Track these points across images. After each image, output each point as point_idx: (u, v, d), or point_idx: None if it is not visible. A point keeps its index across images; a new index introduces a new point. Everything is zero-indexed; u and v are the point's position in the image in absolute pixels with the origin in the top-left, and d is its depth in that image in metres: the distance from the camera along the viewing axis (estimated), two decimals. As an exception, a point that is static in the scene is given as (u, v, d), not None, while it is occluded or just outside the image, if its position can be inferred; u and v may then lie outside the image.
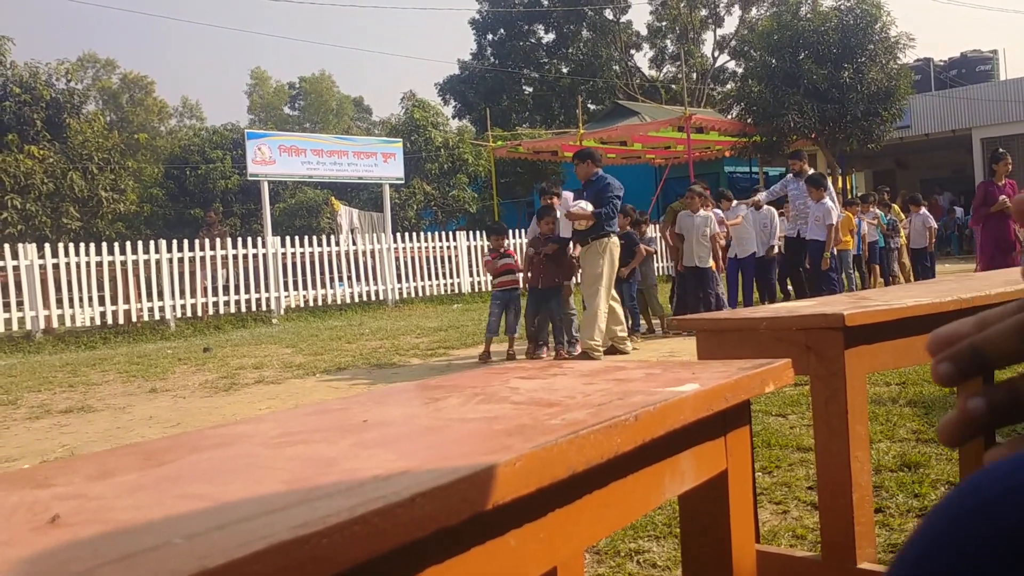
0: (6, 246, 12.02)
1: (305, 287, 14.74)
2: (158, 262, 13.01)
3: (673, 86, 35.19)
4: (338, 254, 15.18)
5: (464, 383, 1.31)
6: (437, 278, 16.32)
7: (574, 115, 25.79)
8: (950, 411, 0.49)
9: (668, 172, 23.30)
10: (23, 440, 5.44)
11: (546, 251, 7.99)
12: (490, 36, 37.34)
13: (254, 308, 13.91)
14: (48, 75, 23.07)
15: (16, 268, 11.87)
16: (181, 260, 13.24)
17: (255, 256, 14.03)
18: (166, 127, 53.24)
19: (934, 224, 14.30)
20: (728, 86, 35.41)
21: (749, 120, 19.74)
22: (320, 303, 14.73)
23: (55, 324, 12.25)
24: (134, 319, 12.74)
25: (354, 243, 15.69)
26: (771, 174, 24.78)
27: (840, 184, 20.72)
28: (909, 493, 3.07)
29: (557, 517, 0.89)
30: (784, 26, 19.70)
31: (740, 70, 33.30)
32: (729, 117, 23.39)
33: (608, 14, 36.35)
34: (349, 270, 15.32)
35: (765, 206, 10.34)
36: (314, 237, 15.14)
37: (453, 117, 35.91)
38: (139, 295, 12.86)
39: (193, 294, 13.35)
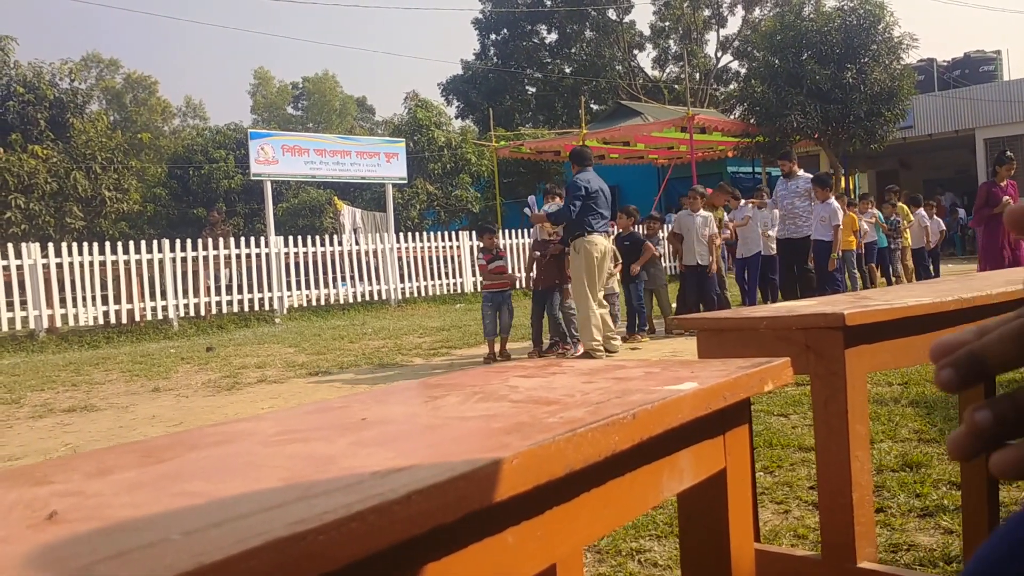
0: (10, 245, 12.05)
1: (308, 287, 14.75)
2: (161, 262, 13.02)
3: (676, 86, 35.18)
4: (341, 254, 15.19)
5: (463, 382, 1.31)
6: (440, 278, 16.32)
7: (577, 115, 25.81)
8: (959, 426, 0.50)
9: (671, 172, 23.31)
10: (26, 439, 5.45)
11: (551, 252, 8.03)
12: (493, 36, 37.34)
13: (257, 308, 13.92)
14: (52, 75, 23.12)
15: (20, 267, 11.89)
16: (184, 260, 13.26)
17: (258, 256, 14.05)
18: (169, 127, 53.34)
19: (938, 225, 14.26)
20: (731, 86, 35.39)
21: (752, 120, 19.72)
22: (323, 303, 14.74)
23: (58, 323, 12.27)
24: (137, 318, 12.76)
25: (357, 243, 15.70)
26: (774, 174, 24.73)
27: (843, 184, 20.71)
28: (911, 493, 3.07)
29: (555, 515, 0.89)
30: (787, 26, 19.69)
31: (743, 70, 33.30)
32: (732, 117, 23.39)
33: (611, 14, 36.34)
34: (352, 270, 15.32)
35: (768, 203, 10.34)
36: (317, 237, 15.15)
37: (456, 117, 35.96)
38: (142, 294, 12.87)
39: (196, 294, 13.37)
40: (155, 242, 13.19)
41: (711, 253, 9.27)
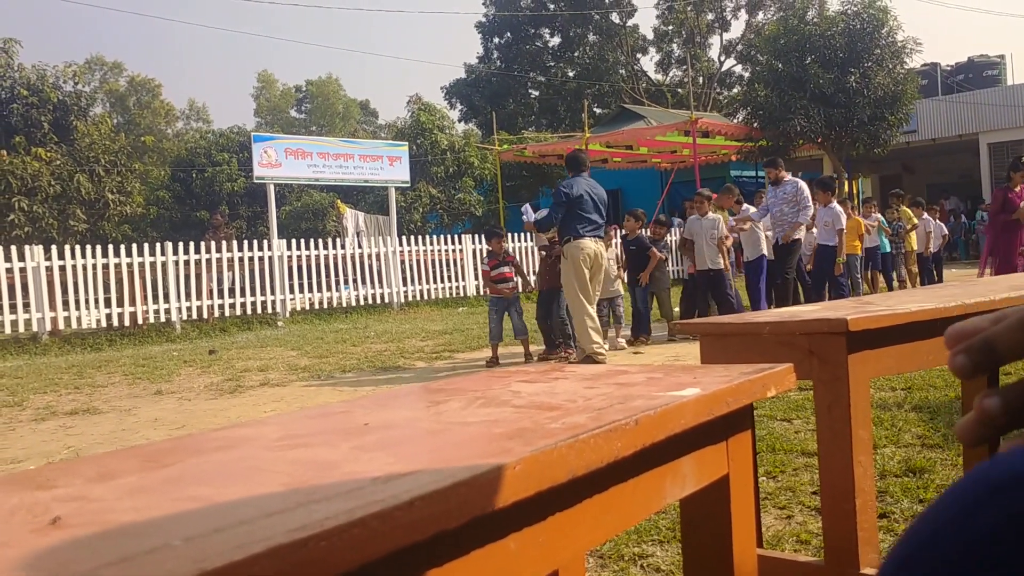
0: (13, 248, 12.06)
1: (311, 290, 14.75)
2: (164, 264, 13.04)
3: (679, 90, 35.19)
4: (343, 257, 15.20)
5: (466, 387, 1.31)
6: (442, 281, 16.32)
7: (580, 119, 25.81)
8: (969, 413, 0.50)
9: (674, 176, 23.31)
10: (28, 442, 5.46)
11: (555, 254, 8.06)
12: (496, 40, 37.37)
13: (259, 311, 13.93)
14: (55, 77, 23.16)
15: (23, 270, 11.91)
16: (187, 262, 13.27)
17: (261, 259, 14.06)
18: (173, 130, 53.41)
19: (941, 229, 14.24)
20: (734, 90, 35.40)
21: (755, 124, 19.71)
22: (325, 306, 14.74)
23: (61, 326, 12.28)
24: (140, 321, 12.77)
25: (359, 246, 15.70)
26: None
27: (847, 189, 20.70)
28: (914, 498, 3.06)
29: (557, 521, 0.89)
30: (791, 30, 19.68)
31: (746, 74, 33.32)
32: (735, 121, 23.39)
33: (614, 18, 36.38)
34: (355, 273, 15.33)
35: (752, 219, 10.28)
36: (320, 240, 15.16)
37: (459, 120, 35.98)
38: (145, 297, 12.88)
39: (199, 296, 13.38)
40: (158, 245, 13.20)
41: (721, 255, 9.21)
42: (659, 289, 9.48)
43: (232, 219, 26.25)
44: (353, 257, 15.33)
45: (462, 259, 16.60)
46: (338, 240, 15.67)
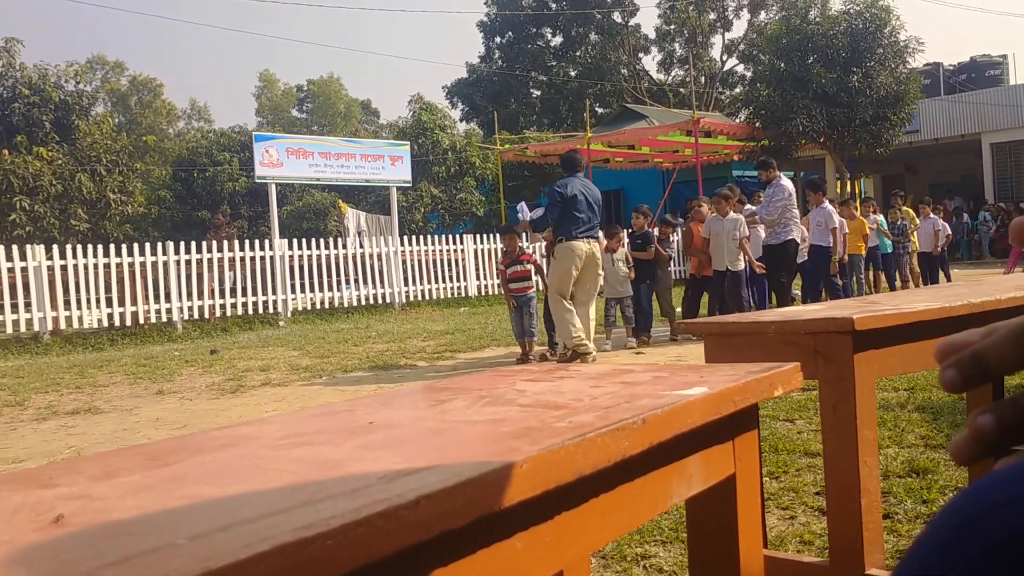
0: (14, 247, 12.07)
1: (312, 290, 14.75)
2: (165, 264, 13.04)
3: (681, 90, 35.20)
4: (345, 257, 15.20)
5: (470, 385, 1.31)
6: (444, 281, 16.32)
7: (582, 118, 25.82)
8: (963, 430, 0.50)
9: (676, 176, 23.30)
10: (30, 441, 5.46)
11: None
12: (498, 39, 37.38)
13: (261, 310, 13.93)
14: (57, 77, 23.20)
15: (24, 269, 11.91)
16: (188, 262, 13.28)
17: (262, 258, 14.06)
18: (174, 129, 53.49)
19: (944, 229, 14.21)
20: (736, 90, 35.39)
21: (757, 124, 19.70)
22: (327, 306, 14.74)
23: (63, 325, 12.29)
24: (141, 321, 12.77)
25: (361, 246, 15.70)
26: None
27: (849, 188, 20.69)
28: (917, 499, 3.05)
29: (563, 520, 0.88)
30: (793, 30, 19.68)
31: (748, 74, 33.29)
32: (737, 121, 23.38)
33: (616, 17, 36.39)
34: (356, 273, 15.33)
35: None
36: (321, 240, 15.16)
37: (461, 120, 36.01)
38: (146, 297, 12.88)
39: (200, 296, 13.38)
40: (159, 244, 13.21)
41: (741, 256, 9.14)
42: (661, 288, 9.50)
43: (233, 219, 26.27)
44: (355, 257, 15.33)
45: (463, 259, 16.60)
46: (339, 240, 15.68)
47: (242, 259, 13.89)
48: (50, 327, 12.11)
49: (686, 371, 1.29)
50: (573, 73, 36.11)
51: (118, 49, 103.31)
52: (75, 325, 12.39)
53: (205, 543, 0.58)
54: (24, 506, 0.72)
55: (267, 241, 14.42)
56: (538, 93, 37.35)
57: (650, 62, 39.39)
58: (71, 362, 10.02)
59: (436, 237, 16.57)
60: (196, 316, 13.32)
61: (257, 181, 16.58)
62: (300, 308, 14.49)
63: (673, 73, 38.06)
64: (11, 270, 11.83)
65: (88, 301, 12.39)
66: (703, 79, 35.46)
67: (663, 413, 0.98)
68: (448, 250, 16.41)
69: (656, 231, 10.18)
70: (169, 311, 13.00)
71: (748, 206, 10.68)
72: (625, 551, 2.75)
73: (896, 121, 19.17)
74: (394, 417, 1.09)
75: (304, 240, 14.80)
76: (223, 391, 7.12)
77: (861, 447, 1.83)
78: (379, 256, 15.58)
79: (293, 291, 14.47)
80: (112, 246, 12.83)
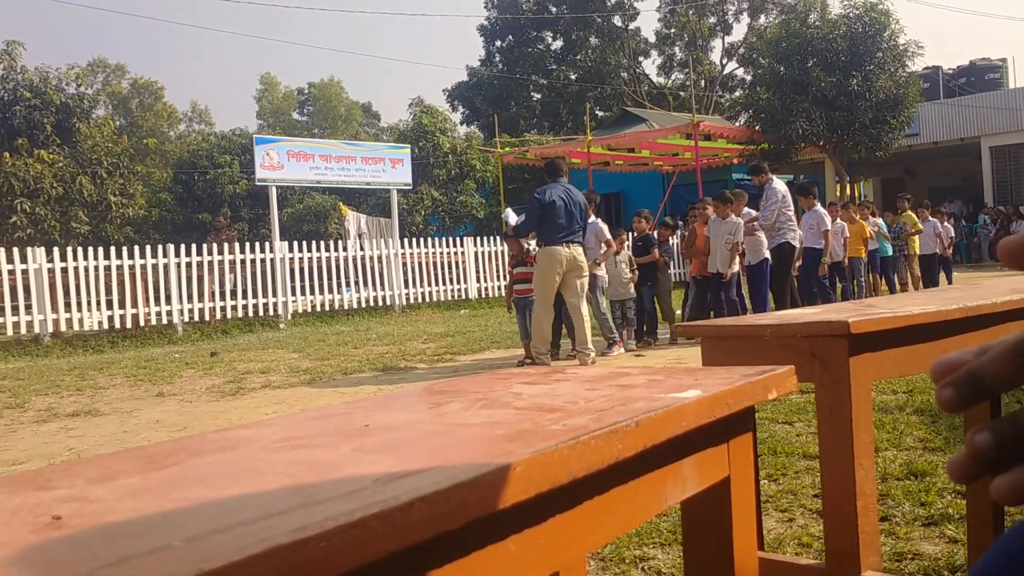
0: (15, 250, 12.08)
1: (312, 292, 14.76)
2: (166, 266, 13.04)
3: (681, 93, 35.22)
4: (345, 259, 15.20)
5: (467, 388, 1.31)
6: (444, 284, 16.33)
7: (582, 122, 25.83)
8: (960, 448, 0.51)
9: (676, 179, 23.30)
10: (30, 443, 5.46)
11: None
12: (498, 43, 37.44)
13: (261, 313, 13.94)
14: (58, 80, 23.22)
15: (25, 272, 11.92)
16: (189, 264, 13.28)
17: (263, 261, 14.06)
18: (175, 132, 53.51)
19: (949, 232, 14.21)
20: (736, 93, 35.43)
21: (757, 127, 19.72)
22: (327, 308, 14.75)
23: (63, 328, 12.29)
24: (142, 323, 12.78)
25: (361, 248, 15.71)
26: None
27: (849, 192, 20.69)
28: (915, 502, 3.06)
29: (558, 522, 0.89)
30: (792, 33, 19.69)
31: (748, 77, 33.34)
32: (737, 124, 23.40)
33: (616, 21, 36.42)
34: (356, 275, 15.34)
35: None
36: (322, 242, 15.17)
37: (461, 123, 36.06)
38: (147, 299, 12.89)
39: (201, 298, 13.39)
40: (160, 247, 13.21)
41: (732, 261, 9.15)
42: (661, 291, 9.54)
43: (234, 221, 26.29)
44: (355, 259, 15.34)
45: (464, 262, 16.61)
46: (340, 242, 15.69)
47: (242, 261, 13.90)
48: (51, 329, 12.11)
49: (681, 374, 1.30)
50: (573, 77, 36.13)
51: (119, 52, 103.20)
52: (75, 327, 12.40)
53: (201, 545, 0.58)
54: (22, 508, 0.73)
55: (267, 243, 14.43)
56: (538, 96, 37.38)
57: (650, 66, 39.44)
58: (71, 364, 10.02)
59: (436, 240, 16.58)
60: (196, 318, 13.32)
61: (258, 184, 16.59)
62: (300, 310, 14.49)
63: (673, 77, 38.11)
64: (12, 272, 11.84)
65: (89, 303, 12.40)
66: (703, 83, 35.47)
67: (657, 416, 0.98)
68: (448, 253, 16.42)
69: (655, 234, 10.20)
70: (169, 313, 13.01)
71: (747, 210, 10.69)
72: (623, 553, 2.76)
73: (896, 125, 19.18)
74: (390, 420, 1.10)
75: (304, 242, 14.80)
76: (223, 393, 7.13)
77: (857, 450, 1.83)
78: (379, 258, 15.59)
79: (293, 293, 14.48)
80: (113, 248, 12.83)
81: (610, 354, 8.39)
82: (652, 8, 37.38)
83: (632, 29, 37.30)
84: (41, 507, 0.72)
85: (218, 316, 13.57)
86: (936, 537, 2.73)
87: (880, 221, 13.09)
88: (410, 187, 19.03)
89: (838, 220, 11.00)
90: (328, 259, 14.90)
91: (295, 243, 14.70)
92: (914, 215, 13.40)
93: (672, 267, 13.53)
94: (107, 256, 12.61)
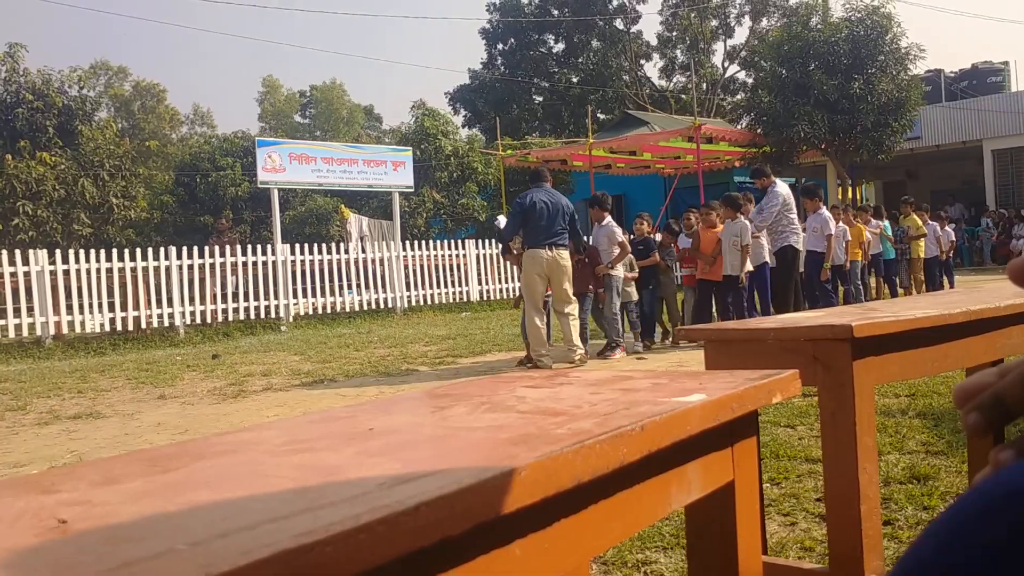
0: (17, 252, 12.09)
1: (314, 295, 14.76)
2: (168, 269, 13.05)
3: (683, 96, 35.23)
4: (347, 262, 15.21)
5: (471, 392, 1.31)
6: (446, 286, 16.33)
7: (583, 124, 25.83)
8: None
9: (677, 182, 23.28)
10: (32, 446, 5.46)
11: (580, 259, 8.24)
12: (500, 46, 37.45)
13: (263, 315, 13.94)
14: (60, 82, 23.24)
15: (27, 274, 11.93)
16: (191, 267, 13.29)
17: (264, 263, 14.07)
18: (177, 134, 53.52)
19: (950, 236, 14.19)
20: (738, 96, 35.44)
21: (759, 130, 19.71)
22: (329, 311, 14.75)
23: (65, 330, 12.30)
24: (143, 325, 12.78)
25: (363, 251, 15.71)
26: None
27: (850, 195, 20.68)
28: (918, 505, 3.05)
29: (562, 527, 0.89)
30: (794, 37, 19.69)
31: (750, 80, 33.33)
32: (739, 127, 23.39)
33: (618, 24, 36.43)
34: (358, 278, 15.34)
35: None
36: (323, 245, 15.17)
37: (463, 126, 36.05)
38: (149, 301, 12.90)
39: (203, 301, 13.39)
40: (162, 249, 13.22)
41: (742, 263, 9.09)
42: (666, 294, 9.59)
43: (236, 224, 26.31)
44: (357, 262, 15.34)
45: (466, 264, 16.61)
46: (342, 245, 15.70)
47: (244, 264, 13.90)
48: (52, 331, 12.12)
49: (685, 378, 1.30)
50: (575, 79, 36.13)
51: (121, 54, 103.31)
52: (77, 329, 12.40)
53: (204, 549, 0.58)
54: (26, 511, 0.73)
55: (269, 246, 14.43)
56: (540, 99, 37.39)
57: (652, 68, 39.45)
58: (73, 366, 10.02)
59: (438, 242, 16.57)
60: (198, 321, 13.33)
61: (260, 186, 16.59)
62: (302, 313, 14.49)
63: (675, 79, 38.10)
64: (14, 274, 11.85)
65: (90, 305, 12.40)
66: (705, 85, 35.48)
67: (661, 420, 0.98)
68: (450, 255, 16.42)
69: (659, 237, 10.21)
70: (171, 316, 13.01)
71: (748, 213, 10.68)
72: (626, 557, 2.75)
73: (897, 128, 19.17)
74: (394, 423, 1.10)
75: (306, 245, 14.80)
76: (225, 396, 7.12)
77: (860, 453, 1.83)
78: (381, 261, 15.59)
79: (295, 296, 14.48)
80: (115, 251, 12.84)
81: (612, 357, 8.40)
82: (654, 11, 37.41)
83: (634, 32, 37.30)
84: (46, 511, 0.72)
85: (220, 318, 13.57)
86: (939, 541, 2.72)
87: (885, 223, 13.05)
88: (412, 190, 19.03)
89: (840, 223, 10.99)
90: (330, 262, 14.91)
91: (297, 246, 14.71)
92: (918, 219, 13.36)
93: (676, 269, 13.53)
94: (109, 258, 12.61)
